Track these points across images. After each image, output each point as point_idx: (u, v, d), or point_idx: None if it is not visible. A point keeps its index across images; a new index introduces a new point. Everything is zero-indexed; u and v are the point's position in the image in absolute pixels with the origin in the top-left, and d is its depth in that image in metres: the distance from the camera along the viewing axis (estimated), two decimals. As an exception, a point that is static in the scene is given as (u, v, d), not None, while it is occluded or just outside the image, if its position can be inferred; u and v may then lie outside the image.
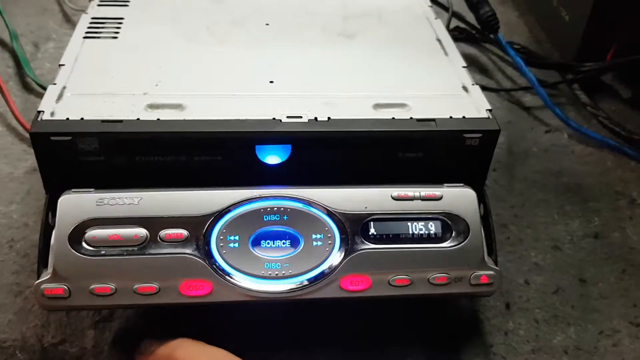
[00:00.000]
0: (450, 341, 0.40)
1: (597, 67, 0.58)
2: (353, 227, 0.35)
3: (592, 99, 0.58)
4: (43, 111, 0.36)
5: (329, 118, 0.37)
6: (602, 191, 0.51)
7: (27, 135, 0.50)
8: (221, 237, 0.34)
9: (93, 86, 0.39)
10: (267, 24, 0.49)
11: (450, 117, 0.38)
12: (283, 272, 0.34)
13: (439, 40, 0.48)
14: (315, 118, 0.37)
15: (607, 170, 0.53)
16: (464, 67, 0.44)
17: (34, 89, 0.55)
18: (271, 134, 0.36)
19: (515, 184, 0.51)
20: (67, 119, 0.35)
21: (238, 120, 0.36)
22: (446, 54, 0.46)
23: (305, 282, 0.34)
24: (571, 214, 0.49)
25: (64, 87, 0.38)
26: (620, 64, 0.58)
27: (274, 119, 0.37)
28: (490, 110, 0.39)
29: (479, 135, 0.38)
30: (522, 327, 0.41)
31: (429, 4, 0.54)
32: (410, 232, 0.36)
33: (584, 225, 0.48)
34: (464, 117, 0.38)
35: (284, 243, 0.35)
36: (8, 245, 0.43)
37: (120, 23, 0.47)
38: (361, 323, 0.40)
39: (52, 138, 0.35)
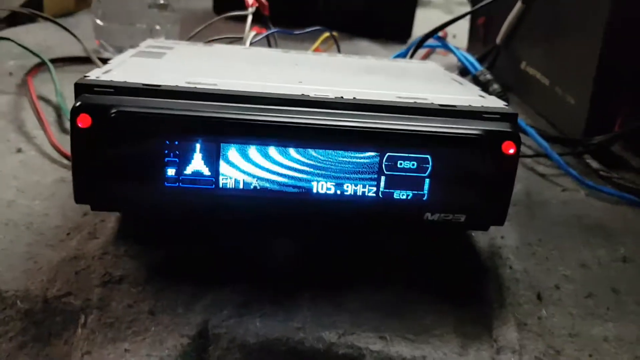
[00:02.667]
0: (480, 315, 0.37)
1: (606, 139, 0.61)
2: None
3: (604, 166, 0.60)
4: (89, 75, 0.39)
5: (354, 97, 0.40)
6: (626, 231, 0.50)
7: (60, 158, 0.52)
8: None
9: (136, 73, 0.42)
10: (296, 64, 0.54)
11: (470, 105, 0.41)
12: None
13: (454, 79, 0.52)
14: (342, 97, 0.39)
15: (628, 220, 0.53)
16: (480, 94, 0.48)
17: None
18: (300, 103, 0.38)
19: (537, 221, 0.50)
20: (111, 80, 0.38)
21: (268, 93, 0.39)
22: (462, 84, 0.50)
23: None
24: (596, 245, 0.48)
25: (110, 70, 0.42)
26: (629, 132, 0.61)
27: (302, 94, 0.39)
28: (507, 105, 0.41)
29: (498, 116, 0.39)
30: (556, 316, 0.38)
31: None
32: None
33: (610, 253, 0.47)
34: (482, 105, 0.41)
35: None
36: (25, 227, 0.42)
37: (165, 52, 0.52)
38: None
39: (95, 89, 0.37)
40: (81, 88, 0.37)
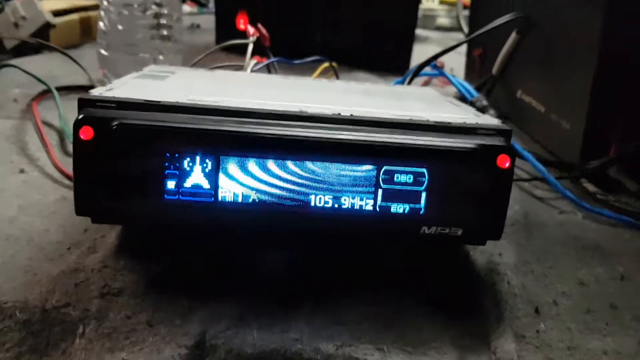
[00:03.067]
0: (478, 327, 0.37)
1: (602, 163, 0.62)
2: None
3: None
4: (92, 92, 0.40)
5: (351, 114, 0.41)
6: (623, 251, 0.50)
7: (61, 179, 0.53)
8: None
9: (138, 91, 0.43)
10: (295, 88, 0.55)
11: (464, 122, 0.41)
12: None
13: (451, 102, 0.53)
14: (339, 113, 0.40)
15: (626, 241, 0.53)
16: (474, 113, 0.48)
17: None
18: (297, 118, 0.39)
19: (534, 241, 0.51)
20: (114, 96, 0.39)
21: (267, 109, 0.40)
22: (458, 106, 0.51)
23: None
24: (593, 264, 0.48)
25: (112, 88, 0.43)
26: (624, 157, 0.61)
27: (300, 110, 0.40)
28: (503, 123, 0.42)
29: (493, 132, 0.40)
30: (554, 330, 0.38)
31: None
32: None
33: (608, 271, 0.47)
34: (477, 122, 0.41)
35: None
36: (26, 242, 0.43)
37: (167, 75, 0.53)
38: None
39: (98, 104, 0.38)
40: (84, 103, 0.38)
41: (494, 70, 0.81)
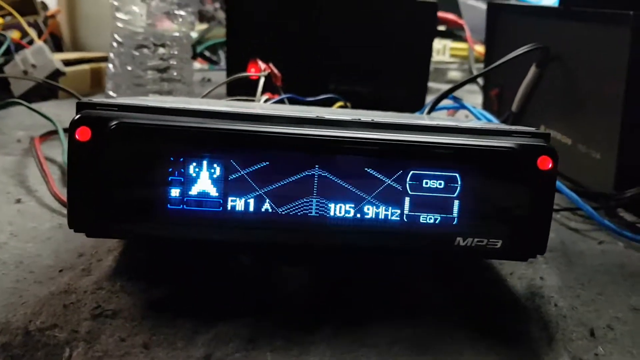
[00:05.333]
0: (526, 351, 0.31)
1: (638, 191, 0.58)
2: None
3: None
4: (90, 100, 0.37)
5: (372, 119, 0.37)
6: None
7: (60, 208, 0.49)
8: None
9: (141, 101, 0.40)
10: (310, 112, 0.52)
11: (498, 127, 0.38)
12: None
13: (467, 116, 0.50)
14: (359, 118, 0.37)
15: (676, 270, 0.48)
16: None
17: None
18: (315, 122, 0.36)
19: (576, 267, 0.46)
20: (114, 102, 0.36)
21: (282, 115, 0.37)
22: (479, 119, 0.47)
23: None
24: (646, 291, 0.43)
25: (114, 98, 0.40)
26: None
27: (317, 116, 0.37)
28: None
29: (531, 134, 0.36)
30: (615, 355, 0.33)
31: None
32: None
33: (664, 299, 0.42)
34: (512, 128, 0.38)
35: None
36: (14, 266, 0.39)
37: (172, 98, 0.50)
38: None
39: (97, 108, 0.35)
40: (83, 106, 0.34)
41: (514, 107, 0.78)
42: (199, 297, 0.35)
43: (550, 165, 0.34)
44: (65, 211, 0.48)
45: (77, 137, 0.33)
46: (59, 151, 0.62)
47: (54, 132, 0.67)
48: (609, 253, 0.50)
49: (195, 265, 0.37)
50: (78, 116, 0.33)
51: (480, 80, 1.04)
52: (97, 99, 0.36)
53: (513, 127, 0.38)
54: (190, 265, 0.37)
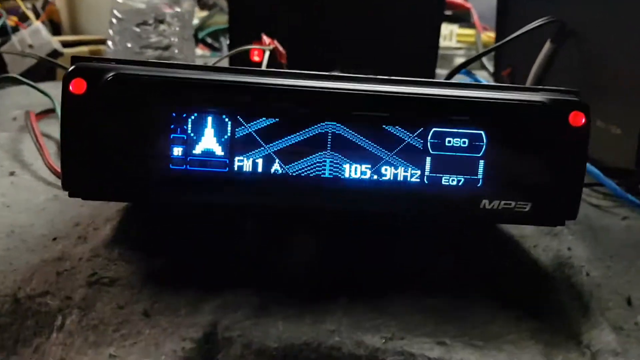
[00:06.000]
0: (561, 320, 0.29)
1: (662, 167, 0.55)
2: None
3: (666, 195, 0.53)
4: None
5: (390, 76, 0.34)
6: None
7: (55, 181, 0.47)
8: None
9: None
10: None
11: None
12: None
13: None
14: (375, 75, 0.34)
15: None
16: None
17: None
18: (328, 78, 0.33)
19: (602, 241, 0.43)
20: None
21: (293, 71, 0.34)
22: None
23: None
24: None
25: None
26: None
27: (330, 73, 0.34)
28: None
29: (561, 90, 0.34)
30: (656, 324, 0.30)
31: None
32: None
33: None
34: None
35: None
36: (6, 235, 0.36)
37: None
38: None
39: (94, 62, 0.32)
40: (78, 59, 0.32)
41: (528, 84, 0.75)
42: (204, 265, 0.32)
43: (583, 121, 0.31)
44: (60, 183, 0.46)
45: (71, 89, 0.30)
46: (55, 128, 0.60)
47: (51, 111, 0.65)
48: (635, 228, 0.47)
49: (201, 231, 0.35)
50: (72, 67, 0.30)
51: (489, 66, 1.02)
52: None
53: (541, 87, 0.35)
54: (193, 233, 0.35)
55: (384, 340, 0.27)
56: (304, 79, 0.32)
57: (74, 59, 0.32)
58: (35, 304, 0.28)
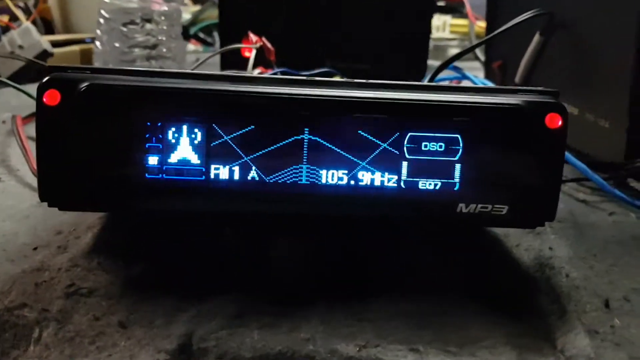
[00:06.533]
0: (537, 324, 0.29)
1: (650, 160, 0.55)
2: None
3: (653, 189, 0.53)
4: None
5: (367, 80, 0.34)
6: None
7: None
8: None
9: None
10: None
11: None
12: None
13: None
14: (353, 79, 0.34)
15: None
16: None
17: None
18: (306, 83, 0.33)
19: (587, 239, 0.43)
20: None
21: (270, 76, 0.34)
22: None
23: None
24: (664, 262, 0.40)
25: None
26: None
27: (307, 77, 0.34)
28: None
29: (538, 92, 0.34)
30: (632, 327, 0.30)
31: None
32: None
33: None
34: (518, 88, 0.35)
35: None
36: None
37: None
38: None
39: (69, 71, 0.32)
40: (53, 69, 0.32)
41: (517, 78, 0.75)
42: (182, 274, 0.32)
43: (560, 123, 0.31)
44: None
45: (45, 101, 0.30)
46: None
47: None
48: (621, 224, 0.47)
49: (179, 240, 0.35)
50: (46, 78, 0.30)
51: (481, 56, 1.01)
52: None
53: (518, 87, 0.35)
54: (173, 240, 0.35)
55: (358, 349, 0.27)
56: (280, 85, 0.32)
57: (51, 68, 0.32)
58: (14, 317, 0.29)
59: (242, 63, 0.75)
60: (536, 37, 0.72)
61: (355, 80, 0.33)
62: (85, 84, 0.30)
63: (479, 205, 0.32)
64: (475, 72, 1.04)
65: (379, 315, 0.29)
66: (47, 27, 1.20)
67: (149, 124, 0.31)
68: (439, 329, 0.29)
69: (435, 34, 1.34)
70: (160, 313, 0.29)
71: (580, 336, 0.28)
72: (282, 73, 0.69)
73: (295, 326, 0.28)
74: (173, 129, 0.31)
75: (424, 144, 0.32)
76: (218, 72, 0.34)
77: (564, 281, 0.34)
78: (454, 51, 1.43)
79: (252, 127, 0.31)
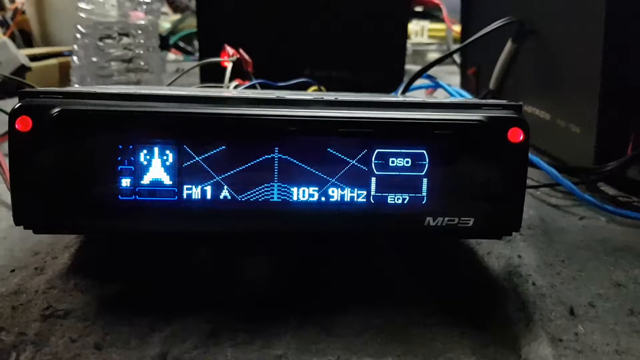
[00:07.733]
0: (503, 333, 0.30)
1: (620, 164, 0.56)
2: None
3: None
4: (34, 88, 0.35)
5: (336, 98, 0.35)
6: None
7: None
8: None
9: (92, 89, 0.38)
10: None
11: (467, 101, 0.36)
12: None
13: (446, 97, 0.48)
14: (322, 97, 0.35)
15: (658, 242, 0.47)
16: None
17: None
18: (275, 102, 0.34)
19: (556, 245, 0.44)
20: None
21: (241, 96, 0.35)
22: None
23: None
24: (628, 265, 0.41)
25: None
26: (642, 155, 0.56)
27: (277, 96, 0.35)
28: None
29: (501, 106, 0.35)
30: (596, 333, 0.31)
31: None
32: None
33: (647, 272, 0.40)
34: (482, 102, 0.36)
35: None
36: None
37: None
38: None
39: (41, 96, 0.33)
40: (25, 95, 0.32)
41: (491, 84, 0.77)
42: (157, 293, 0.33)
43: (521, 137, 0.32)
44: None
45: (17, 127, 0.31)
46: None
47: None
48: (590, 228, 0.49)
49: (154, 260, 0.35)
50: (18, 105, 0.31)
51: (458, 60, 1.03)
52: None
53: (483, 101, 0.36)
54: (148, 260, 0.35)
55: (329, 363, 0.28)
56: (250, 106, 0.32)
57: (22, 93, 0.32)
58: (-11, 341, 0.29)
59: (222, 72, 0.75)
60: (508, 44, 0.73)
61: (325, 99, 0.34)
62: (57, 109, 0.31)
63: (446, 218, 0.33)
64: (452, 75, 1.06)
65: (350, 330, 0.30)
66: (25, 39, 1.20)
67: (120, 146, 0.31)
68: (407, 342, 0.29)
69: (414, 38, 1.35)
70: (135, 334, 0.29)
71: (543, 345, 0.29)
72: (260, 85, 0.70)
73: (267, 343, 0.29)
74: (145, 151, 0.32)
75: (391, 159, 0.33)
76: (189, 91, 0.35)
77: (531, 289, 0.35)
78: (432, 55, 1.45)
79: (223, 147, 0.32)
